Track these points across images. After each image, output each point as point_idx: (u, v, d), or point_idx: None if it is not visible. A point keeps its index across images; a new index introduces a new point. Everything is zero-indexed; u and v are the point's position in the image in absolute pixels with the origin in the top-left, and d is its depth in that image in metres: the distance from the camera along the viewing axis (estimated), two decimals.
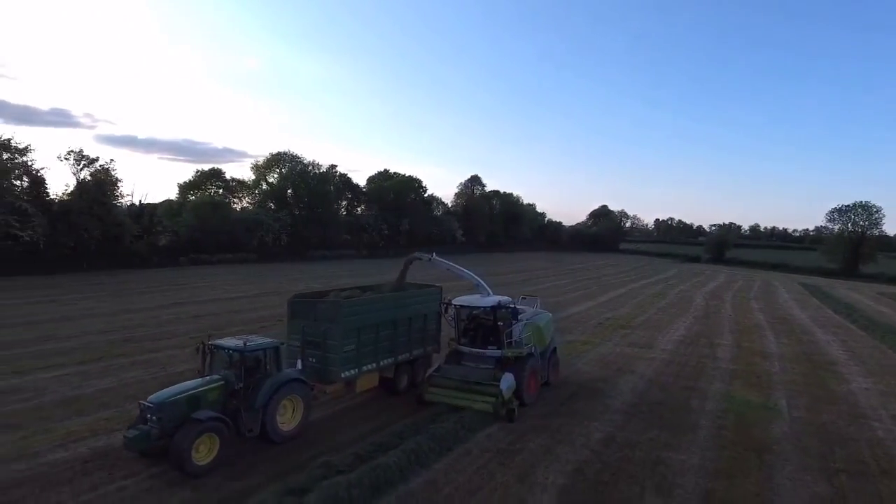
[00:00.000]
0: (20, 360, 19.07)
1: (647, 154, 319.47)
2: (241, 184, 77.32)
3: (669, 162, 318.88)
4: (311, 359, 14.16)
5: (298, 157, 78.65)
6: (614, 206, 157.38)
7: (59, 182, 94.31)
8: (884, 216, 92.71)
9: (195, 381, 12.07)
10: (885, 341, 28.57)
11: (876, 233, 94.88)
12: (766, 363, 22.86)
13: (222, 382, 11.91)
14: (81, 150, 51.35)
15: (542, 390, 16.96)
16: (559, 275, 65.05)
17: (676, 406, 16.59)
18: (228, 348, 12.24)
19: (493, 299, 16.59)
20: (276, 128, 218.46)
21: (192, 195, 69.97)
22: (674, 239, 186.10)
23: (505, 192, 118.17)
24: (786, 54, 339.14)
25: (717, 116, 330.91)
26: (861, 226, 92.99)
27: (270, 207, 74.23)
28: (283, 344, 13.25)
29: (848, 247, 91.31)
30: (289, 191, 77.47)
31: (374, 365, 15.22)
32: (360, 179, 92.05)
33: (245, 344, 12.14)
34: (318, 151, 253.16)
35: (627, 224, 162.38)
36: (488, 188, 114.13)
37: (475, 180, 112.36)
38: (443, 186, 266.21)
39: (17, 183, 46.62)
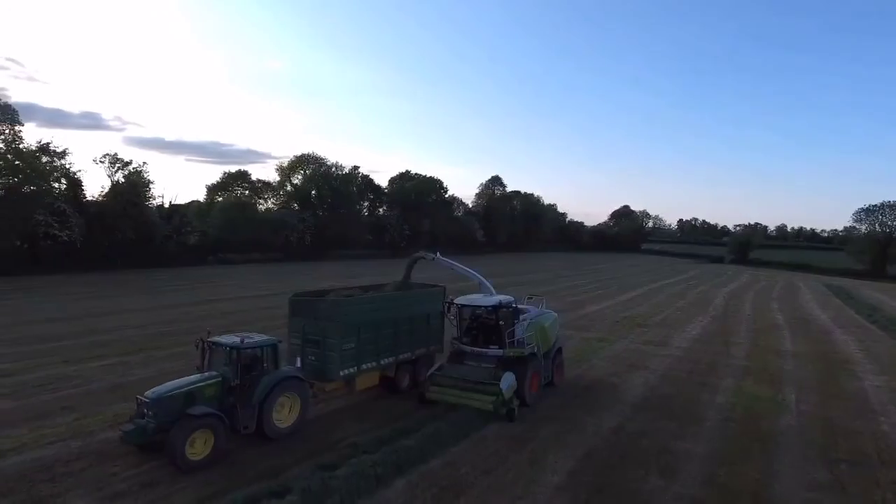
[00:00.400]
0: (68, 351, 20.49)
1: (671, 154, 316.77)
2: (266, 185, 79.20)
3: (694, 162, 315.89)
4: (310, 357, 14.33)
5: (322, 159, 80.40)
6: (636, 207, 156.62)
7: (94, 184, 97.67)
8: None
9: (193, 376, 12.19)
10: None
11: None
12: (779, 361, 23.24)
13: (220, 379, 12.00)
14: (116, 154, 53.66)
15: (555, 385, 17.56)
16: (579, 275, 65.42)
17: (686, 399, 17.22)
18: (226, 345, 12.33)
19: (494, 299, 16.62)
20: (299, 129, 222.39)
21: (220, 196, 71.98)
22: (697, 240, 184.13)
23: (526, 193, 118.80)
24: (815, 54, 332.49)
25: (744, 116, 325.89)
26: (889, 226, 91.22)
27: (295, 208, 75.94)
28: (280, 342, 13.33)
29: (875, 247, 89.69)
30: (313, 192, 79.11)
31: (375, 364, 15.30)
32: (382, 180, 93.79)
33: (242, 341, 12.23)
34: (341, 152, 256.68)
35: (649, 224, 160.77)
36: (509, 188, 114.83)
37: (496, 181, 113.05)
38: (464, 187, 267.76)
39: (56, 185, 48.80)
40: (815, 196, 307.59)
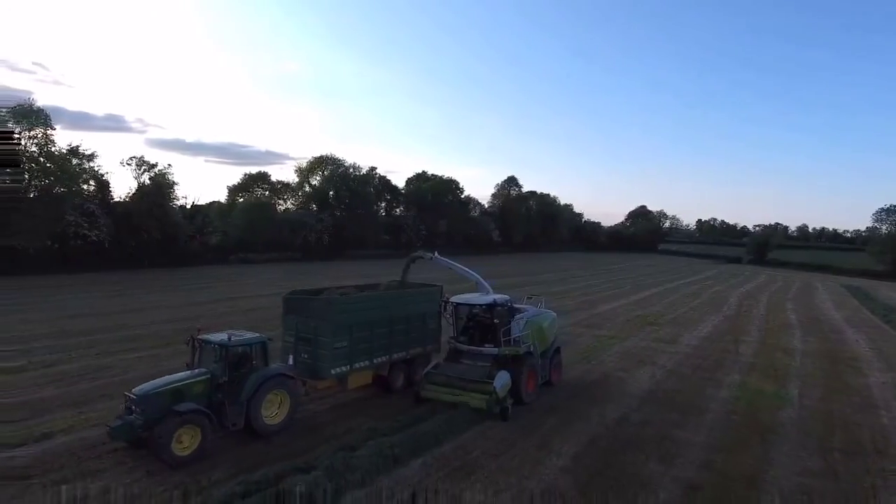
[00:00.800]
0: (102, 344, 21.73)
1: (690, 154, 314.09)
2: (286, 186, 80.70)
3: (714, 162, 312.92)
4: (303, 355, 14.49)
5: (340, 161, 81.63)
6: (654, 207, 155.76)
7: (121, 186, 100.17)
8: None
9: (182, 374, 12.35)
10: None
11: None
12: (787, 358, 23.71)
13: (208, 376, 12.11)
14: (143, 157, 55.31)
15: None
16: (594, 275, 65.82)
17: (691, 393, 17.88)
18: (214, 343, 12.43)
19: (489, 297, 16.64)
20: (316, 130, 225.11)
21: (241, 197, 73.60)
22: (716, 240, 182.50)
23: (542, 193, 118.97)
24: (837, 54, 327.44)
25: (766, 115, 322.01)
26: None
27: (313, 209, 77.35)
28: (269, 339, 13.43)
29: None
30: (331, 192, 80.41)
31: (368, 363, 15.38)
32: (399, 181, 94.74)
33: (229, 338, 12.35)
34: (358, 153, 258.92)
35: (666, 225, 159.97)
36: (525, 189, 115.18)
37: (512, 181, 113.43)
38: (480, 187, 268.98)
39: (85, 187, 50.55)
40: (838, 196, 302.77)
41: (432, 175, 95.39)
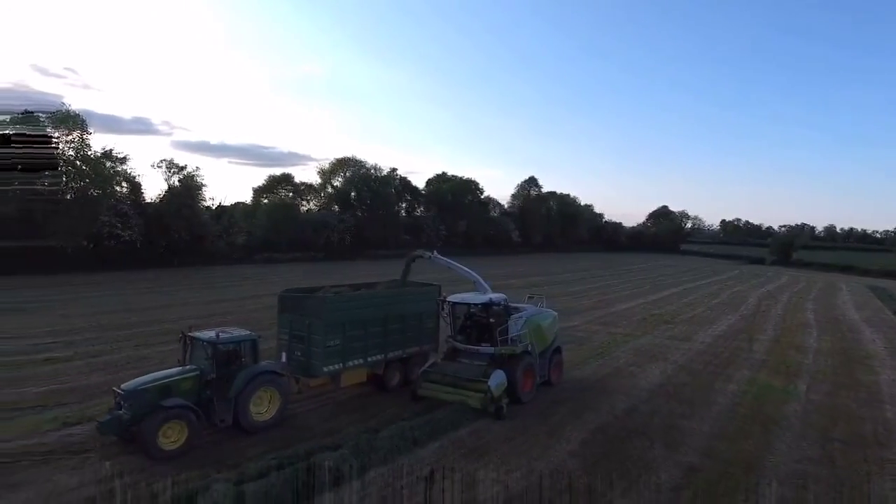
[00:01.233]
0: (140, 337, 23.13)
1: (713, 154, 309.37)
2: (309, 187, 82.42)
3: (738, 162, 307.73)
4: (296, 353, 14.71)
5: (361, 162, 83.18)
6: (676, 207, 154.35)
7: (152, 187, 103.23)
8: None
9: (172, 370, 12.69)
10: None
11: None
12: (799, 355, 24.12)
13: (197, 373, 12.35)
14: (172, 159, 57.35)
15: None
16: (613, 274, 66.09)
17: (700, 387, 18.53)
18: (203, 340, 12.65)
19: (485, 297, 16.77)
20: (337, 132, 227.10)
21: (265, 198, 75.46)
22: (740, 241, 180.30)
23: (562, 193, 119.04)
24: (864, 53, 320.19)
25: (791, 114, 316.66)
26: None
27: (335, 209, 78.94)
28: (259, 337, 13.71)
29: None
30: (352, 193, 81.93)
31: (362, 361, 15.52)
32: (420, 182, 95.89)
33: (218, 336, 12.59)
34: (378, 154, 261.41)
35: (688, 225, 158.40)
36: (545, 189, 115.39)
37: (532, 181, 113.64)
38: (500, 188, 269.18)
39: (118, 189, 52.59)
40: (868, 196, 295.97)
41: (452, 176, 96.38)
